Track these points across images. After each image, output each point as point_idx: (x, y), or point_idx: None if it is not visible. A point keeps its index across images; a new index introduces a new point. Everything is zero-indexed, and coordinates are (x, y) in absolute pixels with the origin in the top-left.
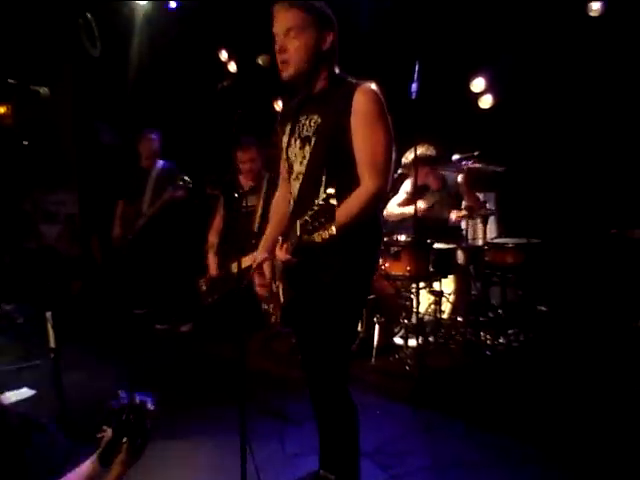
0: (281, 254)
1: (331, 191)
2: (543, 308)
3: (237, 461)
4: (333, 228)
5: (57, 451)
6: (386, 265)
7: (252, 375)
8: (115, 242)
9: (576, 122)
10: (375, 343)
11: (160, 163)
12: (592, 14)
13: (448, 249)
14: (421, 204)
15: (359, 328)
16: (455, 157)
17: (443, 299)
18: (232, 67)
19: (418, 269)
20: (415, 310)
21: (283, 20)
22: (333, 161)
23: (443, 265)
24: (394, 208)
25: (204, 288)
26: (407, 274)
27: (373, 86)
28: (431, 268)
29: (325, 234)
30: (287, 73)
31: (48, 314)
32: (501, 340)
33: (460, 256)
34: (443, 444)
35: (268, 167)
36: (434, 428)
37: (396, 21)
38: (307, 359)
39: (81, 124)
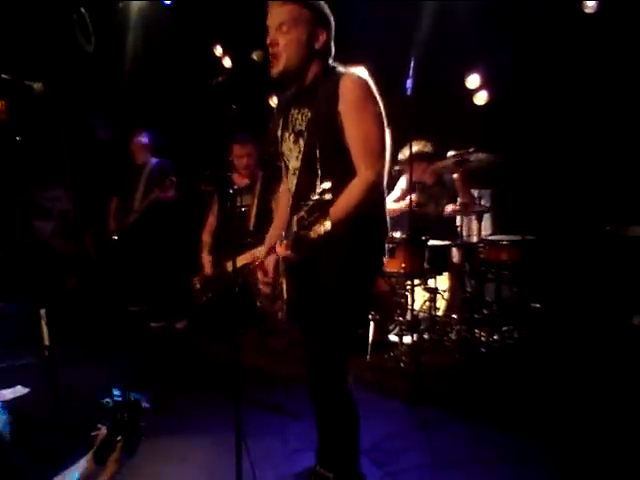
0: (281, 250)
1: (326, 186)
2: (537, 305)
3: (233, 457)
4: (328, 223)
5: (53, 450)
6: None
7: (247, 372)
8: (110, 239)
9: (571, 119)
10: (370, 340)
11: (153, 160)
12: (587, 11)
13: (443, 246)
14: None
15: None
16: (450, 154)
17: (438, 296)
18: (227, 62)
19: (413, 266)
20: (410, 307)
21: (277, 14)
22: (327, 153)
23: (438, 262)
24: (391, 205)
25: (198, 286)
26: (402, 271)
27: (359, 72)
28: (426, 265)
29: (320, 229)
30: (276, 69)
31: (42, 311)
32: (496, 337)
33: (455, 253)
34: (438, 441)
35: (262, 165)
36: (429, 425)
37: (391, 18)
38: (310, 354)
39: (75, 120)
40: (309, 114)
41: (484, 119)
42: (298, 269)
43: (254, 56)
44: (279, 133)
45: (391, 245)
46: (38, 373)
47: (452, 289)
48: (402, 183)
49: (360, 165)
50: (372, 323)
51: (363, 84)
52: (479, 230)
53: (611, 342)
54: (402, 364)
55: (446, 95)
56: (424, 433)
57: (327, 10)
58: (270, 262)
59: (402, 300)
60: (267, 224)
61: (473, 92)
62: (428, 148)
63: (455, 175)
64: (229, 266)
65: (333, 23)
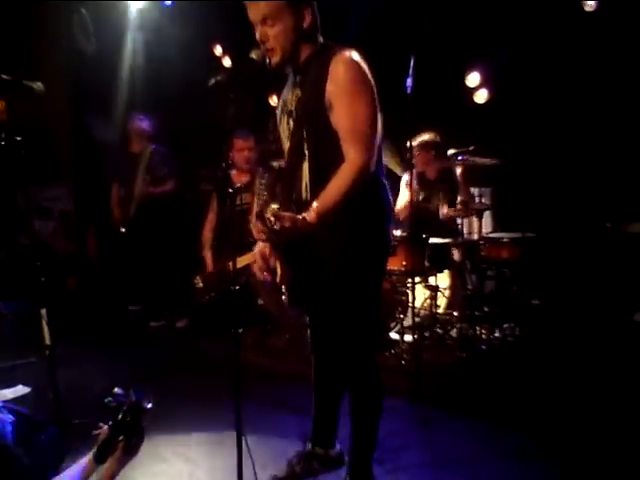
0: (255, 232)
1: (299, 158)
2: (538, 302)
3: (234, 455)
4: (274, 206)
5: (55, 450)
6: None
7: (248, 370)
8: (116, 227)
9: (571, 117)
10: None
11: (152, 147)
12: (587, 9)
13: (444, 244)
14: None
15: None
16: (450, 152)
17: (439, 294)
18: (227, 62)
19: (414, 264)
20: (411, 305)
21: (256, 9)
22: (314, 134)
23: (439, 260)
24: (400, 205)
25: (200, 285)
26: (403, 269)
27: (351, 53)
28: (427, 263)
29: (272, 209)
30: (275, 59)
31: (43, 311)
32: (497, 334)
33: (456, 251)
34: (439, 439)
35: (261, 163)
36: (430, 423)
37: (391, 15)
38: (316, 339)
39: (75, 120)
40: (299, 93)
41: (484, 117)
42: (294, 255)
43: (253, 55)
44: (278, 116)
45: (392, 243)
46: (39, 373)
47: (453, 287)
48: (405, 179)
49: (349, 149)
50: None
51: (355, 65)
52: (480, 228)
53: (612, 339)
54: (403, 362)
55: (446, 93)
56: (425, 431)
57: None
58: (261, 248)
59: (403, 298)
60: None
61: (473, 90)
62: (439, 139)
63: (459, 171)
64: (231, 266)
65: None
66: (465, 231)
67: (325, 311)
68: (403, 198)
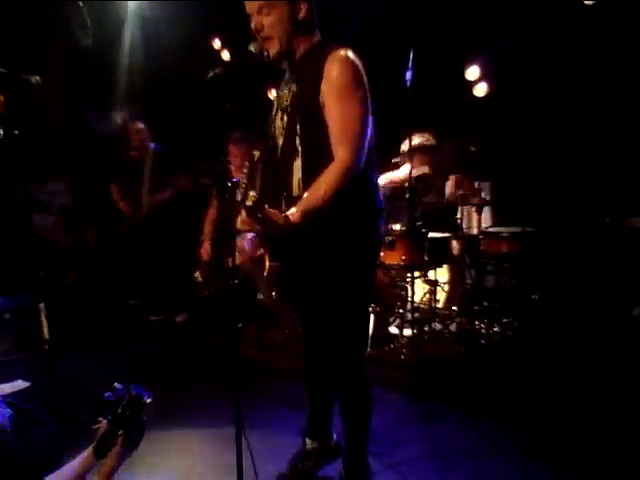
0: (239, 223)
1: (291, 155)
2: (537, 297)
3: (234, 449)
4: (252, 193)
5: (55, 444)
6: (381, 254)
7: (247, 365)
8: (131, 220)
9: (571, 111)
10: (370, 333)
11: (151, 146)
12: (586, 2)
13: (443, 238)
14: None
15: None
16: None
17: (438, 288)
18: (225, 55)
19: (413, 258)
20: (410, 299)
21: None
22: (307, 130)
23: (438, 254)
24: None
25: (200, 279)
26: (402, 263)
27: (347, 52)
28: (426, 257)
29: (251, 197)
30: (273, 51)
31: (42, 305)
32: (496, 329)
33: (455, 245)
34: (439, 433)
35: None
36: (430, 417)
37: (390, 9)
38: (306, 335)
39: (73, 113)
40: (294, 89)
41: (484, 111)
42: (282, 250)
43: (252, 47)
44: (273, 112)
45: (391, 237)
46: (38, 367)
47: (452, 281)
48: (406, 169)
49: (337, 148)
50: (372, 315)
51: (351, 64)
52: (479, 222)
53: (611, 334)
54: (402, 356)
55: (445, 87)
56: (424, 425)
57: None
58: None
59: (402, 292)
60: None
61: (473, 84)
62: (430, 141)
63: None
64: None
65: None
66: (464, 225)
67: (313, 308)
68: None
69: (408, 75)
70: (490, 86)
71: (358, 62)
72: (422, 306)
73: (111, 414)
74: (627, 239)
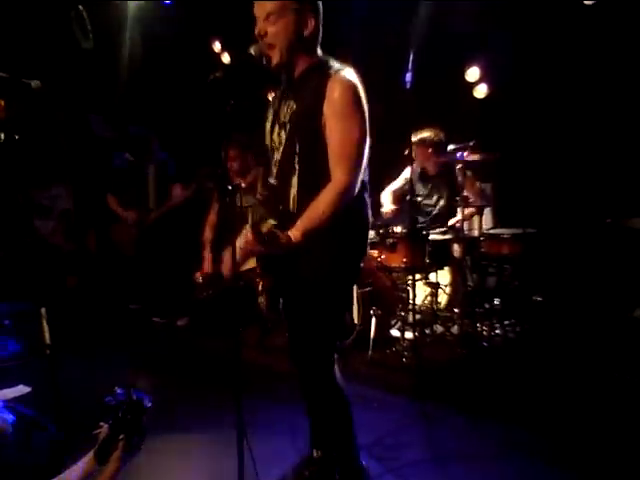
0: (244, 243)
1: (288, 171)
2: (539, 298)
3: (235, 454)
4: (271, 221)
5: (56, 449)
6: (382, 257)
7: (249, 369)
8: (140, 225)
9: (571, 112)
10: (372, 336)
11: (157, 156)
12: (587, 2)
13: (444, 240)
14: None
15: (355, 321)
16: (450, 147)
17: (439, 291)
18: (225, 58)
19: (414, 261)
20: (411, 302)
21: (262, 6)
22: (306, 149)
23: (439, 256)
24: (386, 197)
25: (200, 281)
26: (403, 266)
27: (350, 75)
28: (427, 260)
29: (268, 224)
30: (274, 60)
31: (43, 310)
32: (498, 331)
33: (456, 247)
34: (440, 436)
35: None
36: (431, 420)
37: (390, 10)
38: (293, 346)
39: (74, 117)
40: (294, 106)
41: (484, 112)
42: (275, 265)
43: (252, 50)
44: (268, 126)
45: (392, 240)
46: (39, 372)
47: (453, 283)
48: (407, 173)
49: (335, 169)
50: (374, 318)
51: (352, 88)
52: (480, 224)
53: (613, 335)
54: (404, 359)
55: (446, 88)
56: (426, 428)
57: None
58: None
59: (403, 295)
60: None
61: (473, 85)
62: (439, 137)
63: (458, 166)
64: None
65: (321, 7)
66: (465, 227)
67: (297, 319)
68: (395, 185)
69: (408, 77)
70: (490, 87)
71: (359, 84)
72: (423, 308)
73: (112, 419)
74: (628, 240)
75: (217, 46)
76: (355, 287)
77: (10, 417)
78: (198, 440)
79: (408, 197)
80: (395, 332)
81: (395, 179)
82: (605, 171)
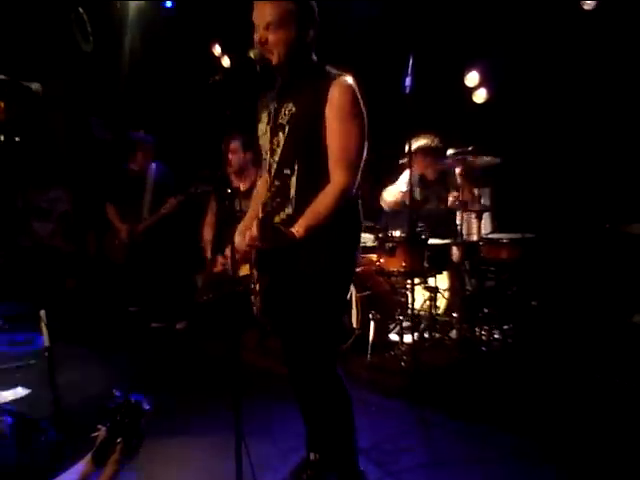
0: (249, 239)
1: (287, 172)
2: (537, 303)
3: (233, 458)
4: (289, 208)
5: (54, 452)
6: (381, 261)
7: (248, 372)
8: (128, 239)
9: (570, 117)
10: (370, 340)
11: (153, 165)
12: (586, 8)
13: (443, 245)
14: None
15: (354, 325)
16: (450, 152)
17: (438, 295)
18: (225, 62)
19: (413, 265)
20: (410, 306)
21: (262, 15)
22: (305, 151)
23: (438, 261)
24: (388, 195)
25: (200, 284)
26: (402, 270)
27: (350, 80)
28: (426, 264)
29: (283, 214)
30: (275, 60)
31: (42, 312)
32: (496, 336)
33: (455, 252)
34: (439, 441)
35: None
36: (430, 425)
37: (390, 15)
38: (288, 352)
39: (74, 120)
40: (293, 109)
41: (483, 117)
42: (272, 263)
43: (251, 54)
44: (262, 127)
45: (391, 244)
46: (38, 374)
47: (452, 288)
48: (405, 177)
49: (335, 171)
50: (372, 322)
51: (353, 94)
52: (479, 228)
53: (612, 340)
54: (402, 363)
55: (445, 93)
56: (424, 432)
57: (313, 2)
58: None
59: (402, 299)
60: None
61: (472, 90)
62: (435, 143)
63: (458, 170)
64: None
65: (317, 14)
66: (464, 232)
67: (293, 322)
68: (395, 188)
69: (408, 81)
70: (490, 92)
71: (357, 89)
72: (422, 313)
73: (110, 421)
74: (627, 245)
75: (217, 49)
76: (354, 291)
77: (8, 419)
78: (196, 443)
79: (407, 202)
80: (394, 336)
81: (393, 183)
82: (604, 177)
